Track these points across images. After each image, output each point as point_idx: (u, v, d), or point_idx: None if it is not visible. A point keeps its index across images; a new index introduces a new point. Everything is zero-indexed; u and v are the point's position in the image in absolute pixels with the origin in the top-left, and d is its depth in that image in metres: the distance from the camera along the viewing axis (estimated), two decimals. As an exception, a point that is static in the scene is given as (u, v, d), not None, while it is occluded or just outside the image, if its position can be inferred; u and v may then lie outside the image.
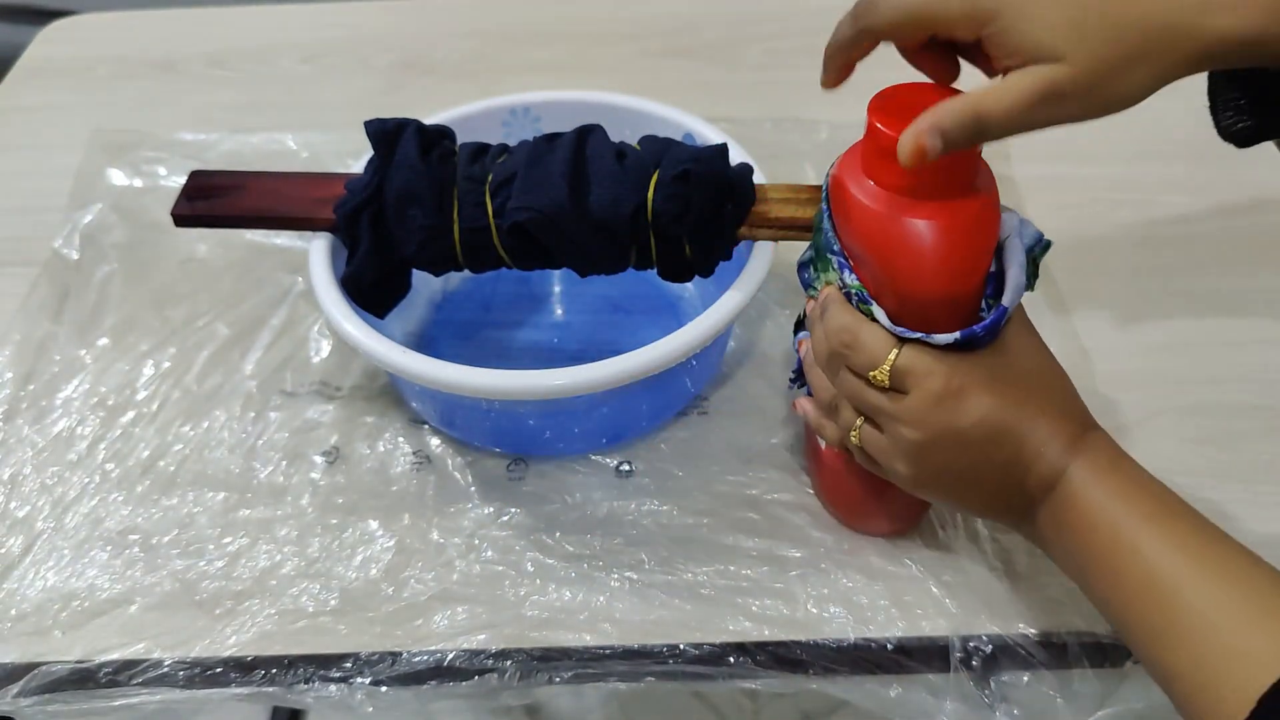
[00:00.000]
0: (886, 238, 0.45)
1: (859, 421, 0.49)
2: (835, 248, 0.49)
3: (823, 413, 0.52)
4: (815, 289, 0.51)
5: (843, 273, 0.48)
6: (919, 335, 0.45)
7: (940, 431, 0.46)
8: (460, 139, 0.61)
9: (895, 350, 0.46)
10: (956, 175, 0.44)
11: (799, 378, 0.56)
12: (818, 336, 0.50)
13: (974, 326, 0.45)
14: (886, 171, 0.44)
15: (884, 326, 0.46)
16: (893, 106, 0.45)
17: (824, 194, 0.50)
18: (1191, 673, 0.40)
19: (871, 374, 0.46)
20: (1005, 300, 0.45)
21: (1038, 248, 0.48)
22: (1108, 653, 0.52)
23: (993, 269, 0.47)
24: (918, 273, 0.44)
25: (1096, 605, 0.45)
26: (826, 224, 0.49)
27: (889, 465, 0.48)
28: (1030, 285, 0.48)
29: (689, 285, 0.71)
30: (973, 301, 0.46)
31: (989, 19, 0.42)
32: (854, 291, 0.48)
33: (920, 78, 0.47)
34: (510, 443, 0.62)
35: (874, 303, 0.47)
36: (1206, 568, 0.41)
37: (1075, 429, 0.46)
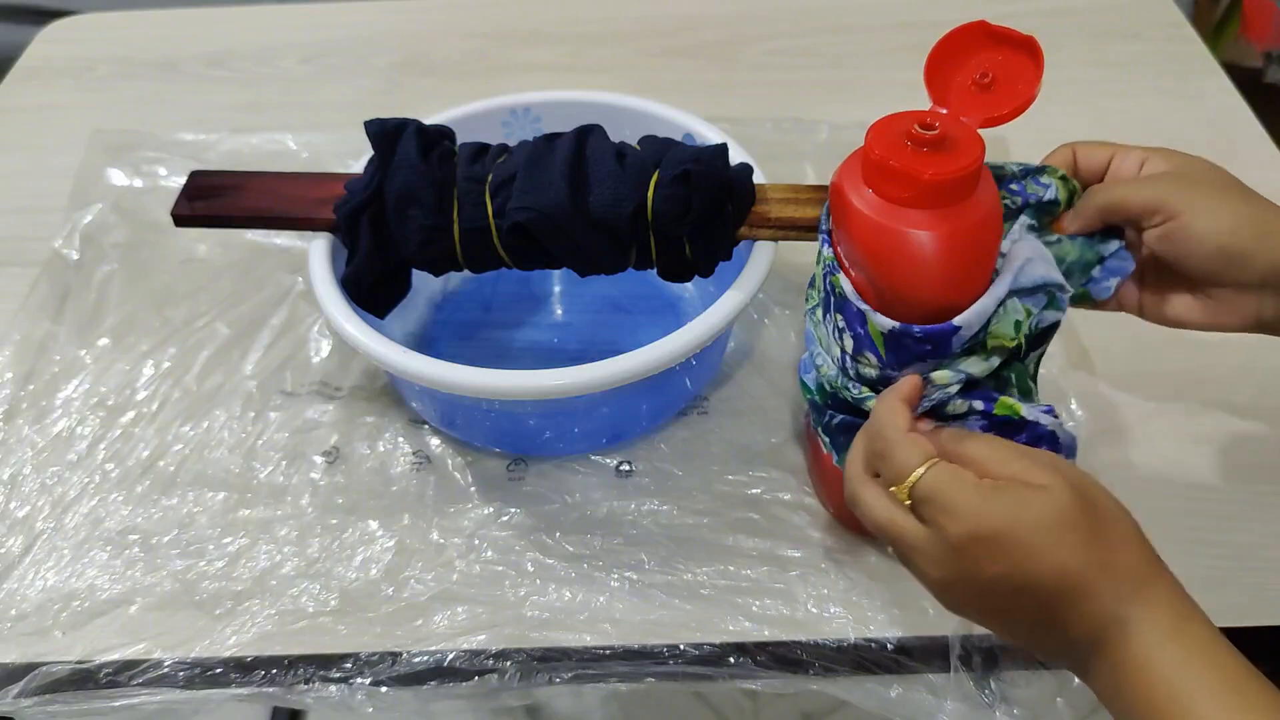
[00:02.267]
0: (885, 246, 0.45)
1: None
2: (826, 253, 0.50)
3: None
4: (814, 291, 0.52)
5: (822, 247, 0.49)
6: (866, 307, 0.46)
7: (959, 577, 0.42)
8: (460, 139, 0.61)
9: (922, 470, 0.42)
10: (957, 186, 0.44)
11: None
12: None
13: (912, 325, 0.45)
14: (885, 183, 0.45)
15: (867, 315, 0.47)
16: (890, 133, 0.45)
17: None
18: None
19: (892, 488, 0.44)
20: (959, 319, 0.45)
21: (1039, 294, 0.47)
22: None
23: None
24: (917, 281, 0.45)
25: None
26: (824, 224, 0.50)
27: (920, 581, 0.44)
28: (1022, 356, 0.47)
29: (689, 285, 0.71)
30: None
31: (1170, 215, 0.46)
32: (827, 262, 0.49)
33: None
34: (510, 443, 0.62)
35: (843, 273, 0.48)
36: None
37: (1133, 579, 0.41)
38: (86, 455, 0.63)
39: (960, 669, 0.52)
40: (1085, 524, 0.40)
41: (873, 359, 0.48)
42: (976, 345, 0.47)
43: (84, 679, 0.53)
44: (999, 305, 0.46)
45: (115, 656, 0.54)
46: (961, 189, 0.44)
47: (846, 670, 0.53)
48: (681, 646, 0.53)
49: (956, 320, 0.45)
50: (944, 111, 0.46)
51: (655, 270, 0.59)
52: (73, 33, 1.00)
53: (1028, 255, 0.46)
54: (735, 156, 0.60)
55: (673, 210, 0.55)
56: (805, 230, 0.58)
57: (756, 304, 0.67)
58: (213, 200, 0.62)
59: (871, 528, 0.45)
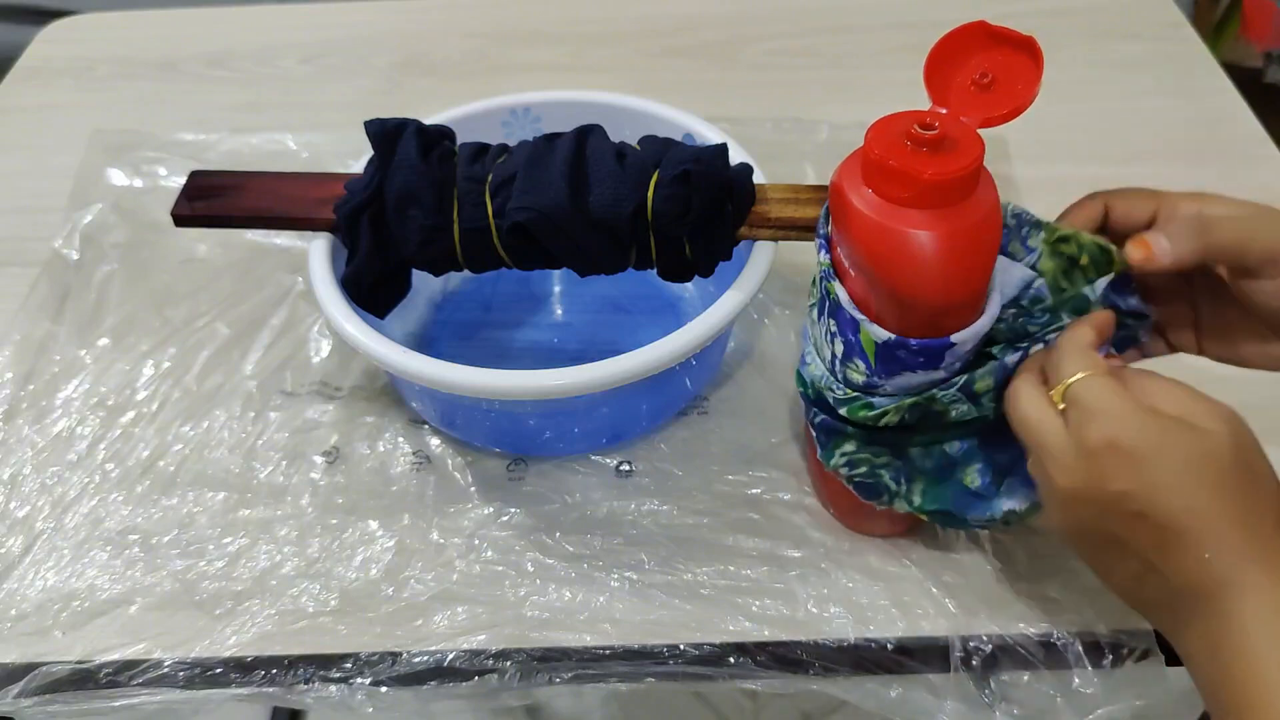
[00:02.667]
0: (885, 246, 0.45)
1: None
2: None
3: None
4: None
5: (819, 252, 0.50)
6: (860, 316, 0.47)
7: (1085, 486, 0.41)
8: (460, 139, 0.61)
9: (1083, 374, 0.43)
10: (957, 186, 0.44)
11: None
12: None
13: (908, 338, 0.45)
14: (885, 183, 0.44)
15: (861, 325, 0.47)
16: (890, 133, 0.45)
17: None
18: None
19: (1050, 391, 0.44)
20: (956, 337, 0.45)
21: (1023, 299, 0.48)
22: (1107, 652, 0.52)
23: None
24: (916, 281, 0.44)
25: None
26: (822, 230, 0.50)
27: (1044, 500, 0.45)
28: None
29: (689, 285, 0.71)
30: (974, 309, 0.46)
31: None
32: (824, 267, 0.49)
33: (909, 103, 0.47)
34: (510, 443, 0.62)
35: (839, 280, 0.48)
36: None
37: (1263, 546, 0.39)
38: (86, 455, 0.63)
39: (960, 669, 0.52)
40: (1234, 475, 0.39)
41: (861, 366, 0.49)
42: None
43: (84, 679, 0.53)
44: (997, 323, 0.46)
45: (115, 656, 0.54)
46: (961, 189, 0.44)
47: (846, 670, 0.53)
48: (681, 646, 0.53)
49: (953, 337, 0.45)
50: (944, 111, 0.46)
51: (655, 270, 0.59)
52: (73, 33, 1.00)
53: (1001, 267, 0.47)
54: (735, 156, 0.60)
55: (673, 210, 0.55)
56: (805, 230, 0.58)
57: (756, 304, 0.67)
58: (213, 200, 0.62)
59: (1016, 425, 0.45)
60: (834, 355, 0.50)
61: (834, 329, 0.49)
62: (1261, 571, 0.38)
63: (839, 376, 0.50)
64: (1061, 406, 0.43)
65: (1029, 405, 0.44)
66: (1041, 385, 0.45)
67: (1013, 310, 0.49)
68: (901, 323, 0.46)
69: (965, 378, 0.47)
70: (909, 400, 0.48)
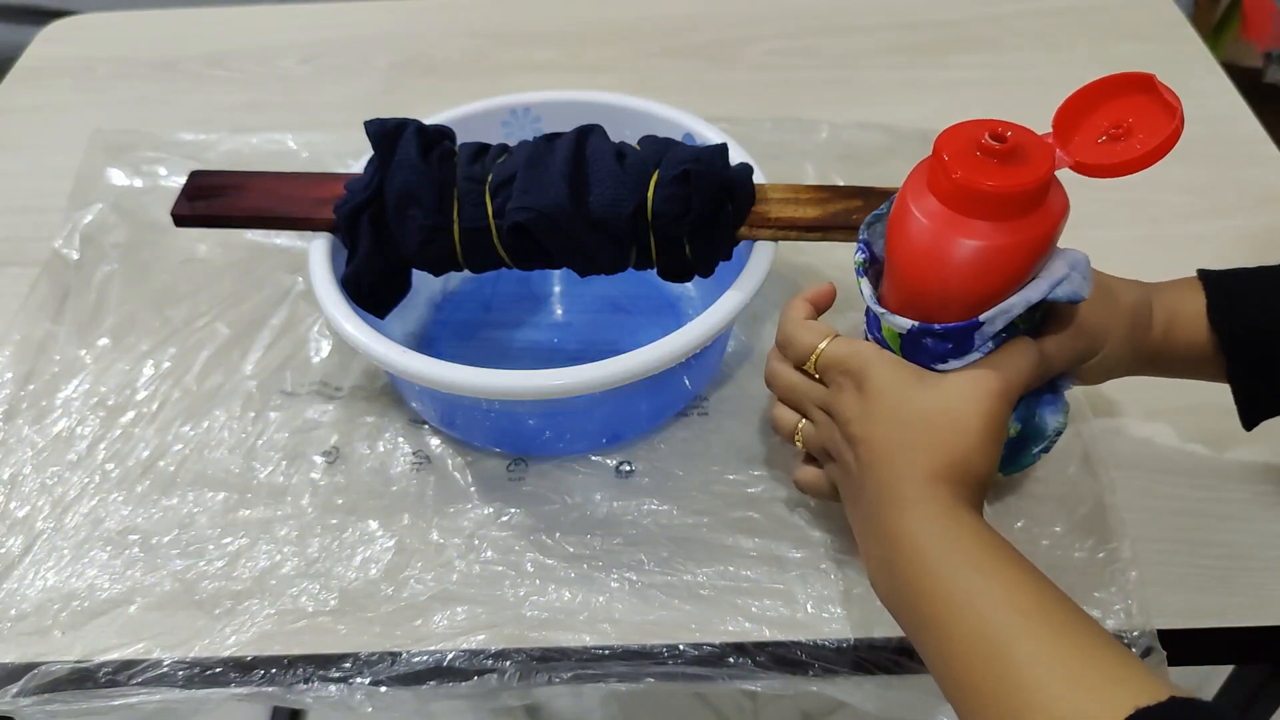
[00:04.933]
0: (948, 256, 0.44)
1: (800, 422, 0.53)
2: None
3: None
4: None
5: (856, 253, 0.50)
6: (881, 310, 0.48)
7: (838, 415, 0.49)
8: (460, 139, 0.61)
9: (824, 344, 0.50)
10: (1025, 199, 0.43)
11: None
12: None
13: (932, 324, 0.46)
14: (951, 193, 0.44)
15: (881, 318, 0.48)
16: (960, 140, 0.44)
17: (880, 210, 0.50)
18: (1006, 712, 0.38)
19: (805, 367, 0.51)
20: (984, 315, 0.45)
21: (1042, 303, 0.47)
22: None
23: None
24: (977, 288, 0.45)
25: (926, 661, 0.44)
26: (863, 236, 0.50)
27: (815, 452, 0.53)
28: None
29: (689, 285, 0.71)
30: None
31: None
32: (856, 265, 0.50)
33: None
34: (510, 443, 0.62)
35: (865, 278, 0.49)
36: (1035, 624, 0.40)
37: (930, 489, 0.45)
38: (86, 455, 0.63)
39: (960, 669, 0.52)
40: (932, 414, 0.46)
41: None
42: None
43: (83, 679, 0.53)
44: (1027, 307, 0.45)
45: (115, 656, 0.54)
46: (1029, 201, 0.43)
47: (846, 671, 0.53)
48: (681, 647, 0.53)
49: (981, 316, 0.45)
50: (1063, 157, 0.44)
51: (655, 270, 0.59)
52: (73, 33, 1.00)
53: (1067, 270, 0.46)
54: (735, 156, 0.60)
55: (673, 210, 0.55)
56: (805, 230, 0.58)
57: (756, 304, 0.67)
58: (213, 200, 0.62)
59: (781, 393, 0.53)
60: None
61: (865, 328, 0.50)
62: (921, 496, 0.45)
63: None
64: (816, 375, 0.51)
65: (785, 374, 0.52)
66: (786, 360, 0.52)
67: None
68: (928, 315, 0.46)
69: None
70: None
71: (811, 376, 0.51)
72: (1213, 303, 0.52)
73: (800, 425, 0.53)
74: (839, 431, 0.49)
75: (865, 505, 0.47)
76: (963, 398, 0.46)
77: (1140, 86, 0.44)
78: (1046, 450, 0.52)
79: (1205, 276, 0.53)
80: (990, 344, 0.47)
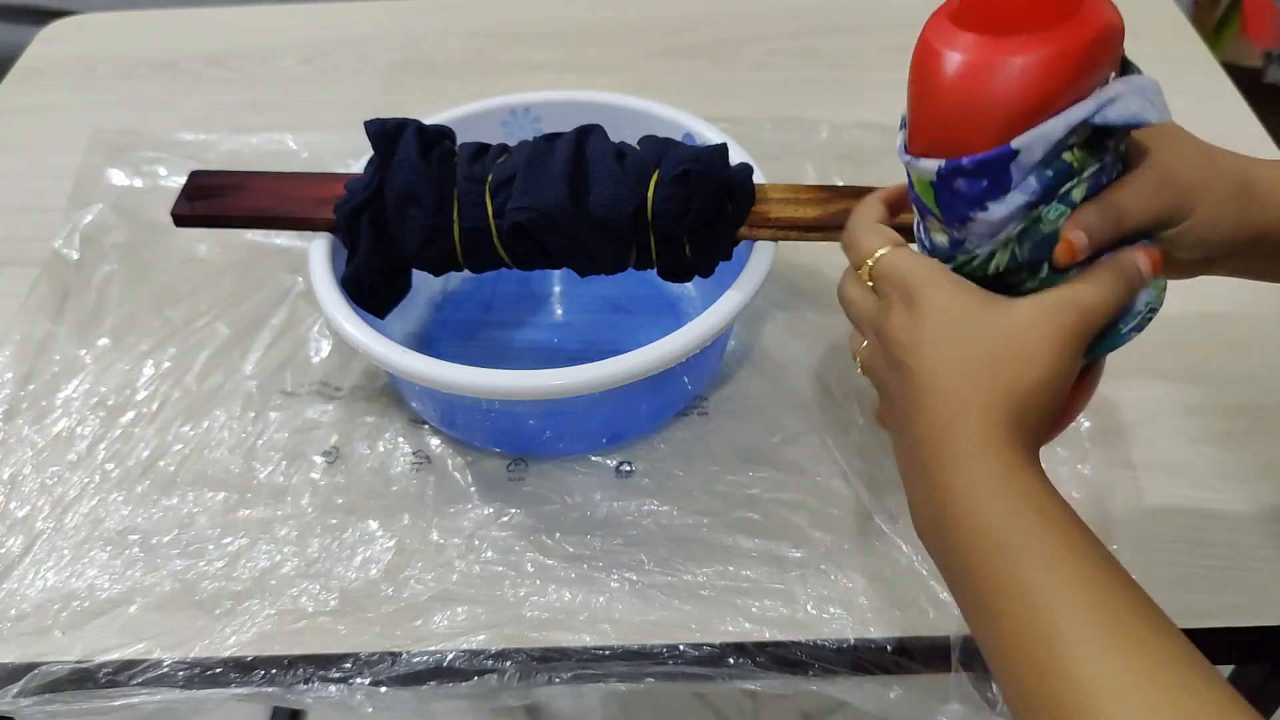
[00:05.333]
0: (990, 84, 0.39)
1: (864, 343, 0.46)
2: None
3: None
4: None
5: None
6: (909, 158, 0.43)
7: (880, 338, 0.43)
8: (460, 139, 0.61)
9: (883, 250, 0.44)
10: (1040, 6, 0.39)
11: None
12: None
13: (960, 159, 0.40)
14: (980, 16, 0.40)
15: (910, 169, 0.44)
16: None
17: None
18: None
19: (859, 272, 0.46)
20: (1015, 141, 0.39)
21: (1114, 130, 0.41)
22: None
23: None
24: (1025, 109, 0.39)
25: (974, 635, 0.39)
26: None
27: (870, 377, 0.46)
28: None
29: (689, 285, 0.71)
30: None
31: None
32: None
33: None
34: (510, 443, 0.62)
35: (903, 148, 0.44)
36: (1101, 632, 0.34)
37: (987, 429, 0.39)
38: (86, 455, 0.63)
39: (960, 670, 0.52)
40: (994, 344, 0.40)
41: (936, 223, 0.44)
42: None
43: (84, 679, 0.53)
44: (1069, 131, 0.40)
45: (115, 656, 0.54)
46: (1053, 6, 0.39)
47: (846, 671, 0.53)
48: (681, 647, 0.53)
49: (1014, 143, 0.39)
50: None
51: (655, 270, 0.59)
52: (73, 33, 1.00)
53: (1123, 90, 0.40)
54: (735, 156, 0.60)
55: (673, 210, 0.55)
56: (805, 230, 0.58)
57: (756, 304, 0.67)
58: (213, 200, 0.62)
59: (844, 308, 0.47)
60: (917, 231, 0.46)
61: (910, 204, 0.46)
62: (975, 445, 0.39)
63: (927, 246, 0.46)
64: (870, 284, 0.45)
65: (849, 289, 0.47)
66: (852, 272, 0.47)
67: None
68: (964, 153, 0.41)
69: (1067, 186, 0.41)
70: (1016, 228, 0.42)
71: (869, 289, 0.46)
72: None
73: (862, 346, 0.46)
74: (883, 355, 0.43)
75: (911, 446, 0.41)
76: (1031, 325, 0.40)
77: None
78: (1139, 329, 0.45)
79: None
80: (1033, 181, 0.41)
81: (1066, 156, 0.41)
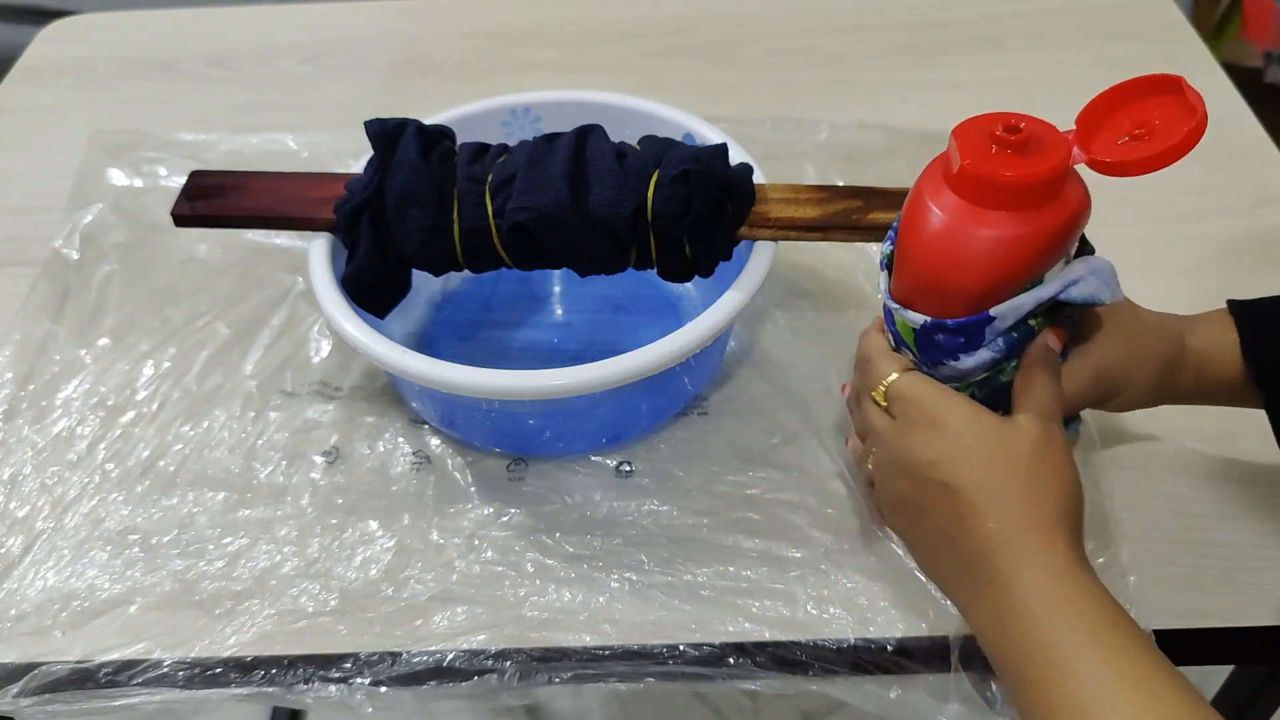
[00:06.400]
0: (965, 247, 0.44)
1: (868, 450, 0.51)
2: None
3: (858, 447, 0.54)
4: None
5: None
6: (895, 305, 0.48)
7: (900, 456, 0.47)
8: (460, 139, 0.61)
9: (896, 375, 0.48)
10: (1042, 189, 0.43)
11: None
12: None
13: (944, 319, 0.46)
14: (967, 186, 0.44)
15: (895, 313, 0.48)
16: (975, 133, 0.44)
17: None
18: None
19: (874, 394, 0.50)
20: (994, 310, 0.45)
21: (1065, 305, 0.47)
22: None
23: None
24: (995, 278, 0.45)
25: (1019, 710, 0.42)
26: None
27: (876, 486, 0.50)
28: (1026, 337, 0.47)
29: (689, 285, 0.71)
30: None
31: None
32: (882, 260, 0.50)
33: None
34: (510, 443, 0.62)
35: (884, 273, 0.49)
36: (1140, 709, 0.38)
37: (1043, 525, 0.43)
38: (86, 455, 0.63)
39: (961, 670, 0.52)
40: (1028, 468, 0.44)
41: (909, 355, 0.49)
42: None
43: (84, 679, 0.53)
44: (1037, 305, 0.45)
45: (115, 656, 0.54)
46: (1042, 192, 0.43)
47: (846, 671, 0.53)
48: (681, 647, 0.53)
49: (992, 310, 0.45)
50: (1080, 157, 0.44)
51: (655, 270, 0.59)
52: (73, 33, 1.00)
53: (1085, 272, 0.45)
54: (735, 156, 0.60)
55: (673, 210, 0.55)
56: (805, 230, 0.58)
57: (756, 304, 0.67)
58: (213, 200, 0.62)
59: (856, 422, 0.52)
60: (887, 333, 0.51)
61: (884, 322, 0.51)
62: (1040, 549, 0.43)
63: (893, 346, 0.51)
64: (884, 405, 0.49)
65: (860, 404, 0.51)
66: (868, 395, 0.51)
67: None
68: (941, 309, 0.46)
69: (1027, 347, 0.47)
70: (979, 377, 0.48)
71: (880, 406, 0.50)
72: (1245, 338, 0.52)
73: (871, 454, 0.51)
74: (905, 470, 0.47)
75: (965, 554, 0.44)
76: (1046, 440, 0.45)
77: (1167, 88, 0.44)
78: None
79: (1237, 310, 0.53)
80: (1000, 342, 0.47)
81: (1031, 322, 0.47)
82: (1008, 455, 0.45)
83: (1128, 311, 0.52)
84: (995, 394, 0.49)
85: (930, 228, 0.45)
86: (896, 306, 0.48)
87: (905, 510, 0.48)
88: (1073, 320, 0.49)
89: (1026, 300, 0.45)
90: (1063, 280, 0.45)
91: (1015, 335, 0.47)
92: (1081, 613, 0.41)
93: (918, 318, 0.47)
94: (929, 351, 0.48)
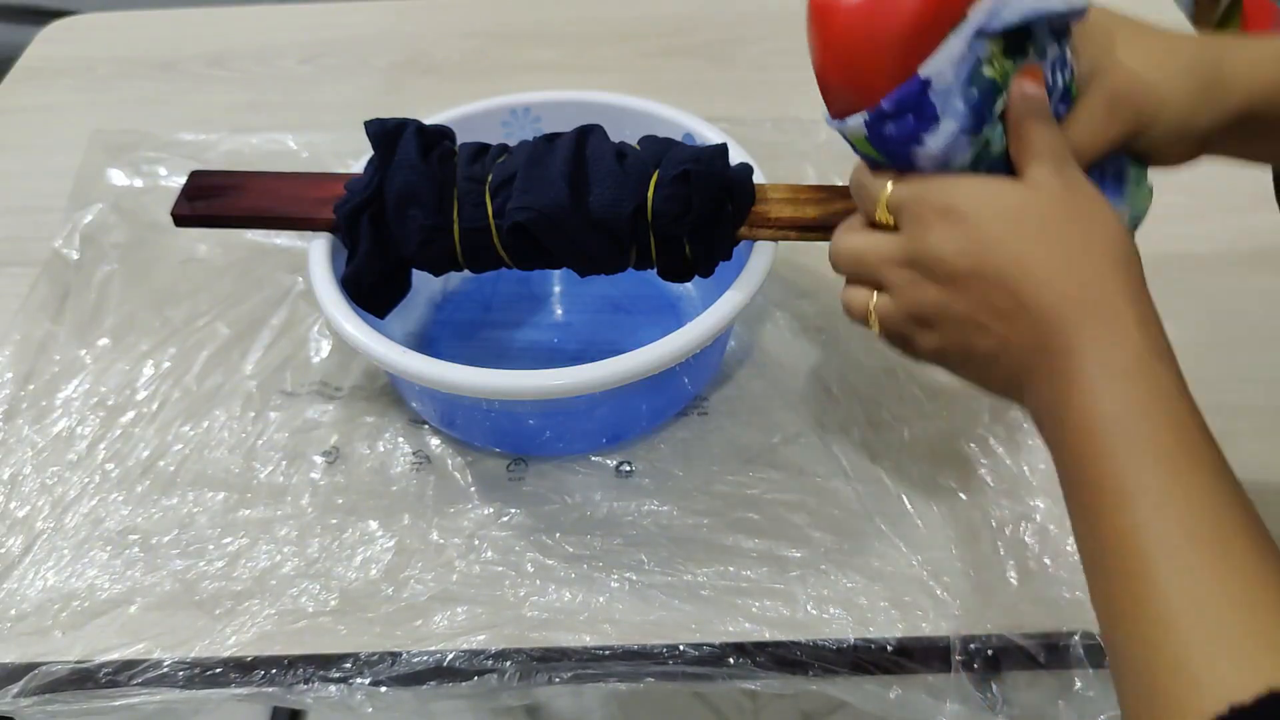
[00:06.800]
0: (833, 5, 0.41)
1: (873, 300, 0.44)
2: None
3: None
4: None
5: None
6: (839, 123, 0.43)
7: (922, 262, 0.41)
8: (460, 139, 0.61)
9: (891, 185, 0.43)
10: None
11: None
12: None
13: (879, 103, 0.41)
14: None
15: (844, 132, 0.44)
16: None
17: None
18: (1138, 673, 0.32)
19: (877, 215, 0.44)
20: (923, 70, 0.40)
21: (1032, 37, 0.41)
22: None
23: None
24: (899, 39, 0.40)
25: (1076, 540, 0.37)
26: None
27: (902, 318, 0.43)
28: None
29: (689, 285, 0.71)
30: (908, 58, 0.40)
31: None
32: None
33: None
34: (510, 443, 0.62)
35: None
36: (1200, 546, 0.33)
37: (1098, 293, 0.37)
38: (86, 455, 0.63)
39: (960, 671, 0.52)
40: (1060, 220, 0.38)
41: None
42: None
43: (84, 679, 0.53)
44: (973, 45, 0.39)
45: (115, 656, 0.54)
46: None
47: (846, 671, 0.53)
48: (681, 647, 0.53)
49: (920, 71, 0.40)
50: None
51: (655, 270, 0.59)
52: (73, 33, 1.00)
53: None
54: (735, 156, 0.60)
55: (673, 210, 0.55)
56: (805, 230, 0.58)
57: (756, 304, 0.67)
58: (213, 200, 0.62)
59: (848, 265, 0.45)
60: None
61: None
62: (1099, 322, 0.37)
63: None
64: (890, 220, 0.43)
65: (852, 239, 0.45)
66: (855, 224, 0.45)
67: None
68: (868, 91, 0.41)
69: (1001, 102, 0.41)
70: (967, 157, 0.42)
71: (884, 228, 0.44)
72: None
73: (873, 304, 0.44)
74: (931, 280, 0.40)
75: (1015, 350, 0.38)
76: (1069, 188, 0.39)
77: None
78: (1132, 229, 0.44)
79: None
80: (960, 106, 0.40)
81: (988, 72, 0.40)
82: (1037, 219, 0.39)
83: (1123, 22, 0.44)
84: (994, 171, 0.43)
85: (834, 13, 0.41)
86: (841, 124, 0.43)
87: (944, 325, 0.41)
88: (1048, 54, 0.42)
89: (955, 44, 0.39)
90: (987, 7, 0.40)
91: (976, 94, 0.40)
92: (1149, 423, 0.35)
93: (857, 119, 0.42)
94: (892, 150, 0.42)
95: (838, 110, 0.44)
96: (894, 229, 0.43)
